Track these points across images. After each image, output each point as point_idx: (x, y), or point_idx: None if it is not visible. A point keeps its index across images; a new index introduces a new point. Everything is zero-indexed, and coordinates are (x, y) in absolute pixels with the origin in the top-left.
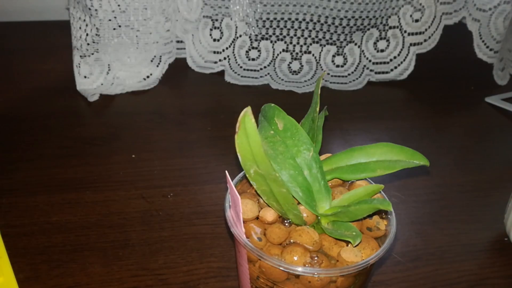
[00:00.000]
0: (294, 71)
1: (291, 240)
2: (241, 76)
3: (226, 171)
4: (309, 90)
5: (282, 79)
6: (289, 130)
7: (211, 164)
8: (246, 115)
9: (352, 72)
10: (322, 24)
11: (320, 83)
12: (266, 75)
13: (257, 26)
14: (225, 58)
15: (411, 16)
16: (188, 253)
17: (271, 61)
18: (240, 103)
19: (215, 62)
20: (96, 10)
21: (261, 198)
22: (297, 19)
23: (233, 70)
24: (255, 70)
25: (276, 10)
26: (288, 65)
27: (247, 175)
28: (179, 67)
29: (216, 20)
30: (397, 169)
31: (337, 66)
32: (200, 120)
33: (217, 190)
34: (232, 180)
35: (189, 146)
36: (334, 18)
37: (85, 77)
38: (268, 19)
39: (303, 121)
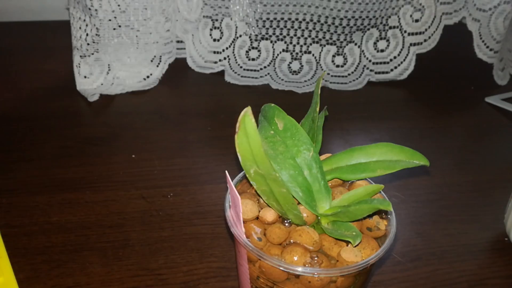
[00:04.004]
0: (294, 71)
1: (291, 240)
2: (241, 76)
3: (226, 171)
4: (309, 90)
5: (282, 79)
6: (289, 130)
7: (211, 164)
8: (246, 115)
9: (352, 72)
10: (322, 24)
11: (320, 83)
12: (266, 75)
13: (257, 26)
14: (225, 58)
15: (411, 16)
16: (188, 253)
17: (271, 61)
18: (240, 103)
19: (215, 62)
20: (96, 10)
21: (261, 198)
22: (297, 19)
23: (233, 70)
24: (255, 70)
25: (276, 10)
26: (288, 65)
27: (247, 175)
28: (179, 67)
29: (216, 20)
30: (397, 169)
31: (337, 66)
32: (200, 120)
33: (217, 190)
34: (232, 180)
35: (189, 146)
36: (334, 18)
37: (85, 77)
38: (268, 19)
39: (303, 121)
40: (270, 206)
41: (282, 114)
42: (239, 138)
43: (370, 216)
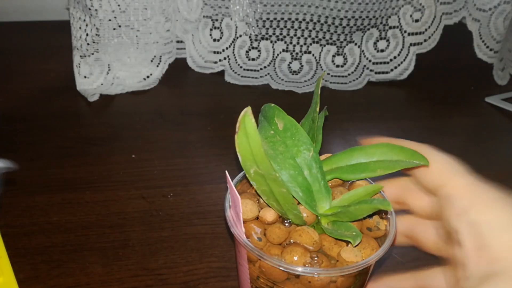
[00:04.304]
0: (294, 71)
1: (291, 240)
2: (241, 76)
3: (226, 171)
4: (309, 90)
5: (282, 79)
6: (289, 130)
7: (211, 164)
8: (246, 115)
9: (352, 72)
10: (322, 24)
11: (320, 83)
12: (266, 75)
13: (257, 26)
14: (225, 58)
15: (411, 16)
16: (188, 253)
17: (271, 61)
18: (240, 103)
19: (215, 62)
20: (96, 10)
21: (261, 198)
22: (297, 19)
23: (233, 70)
24: (255, 70)
25: (276, 10)
26: (288, 65)
27: (247, 175)
28: (179, 67)
29: (216, 20)
30: (397, 169)
31: (337, 66)
32: (200, 120)
33: (217, 190)
34: (232, 180)
35: (189, 146)
36: (334, 18)
37: (85, 77)
38: (268, 19)
39: (303, 121)
40: (270, 206)
41: (282, 114)
42: (239, 138)
43: (370, 216)
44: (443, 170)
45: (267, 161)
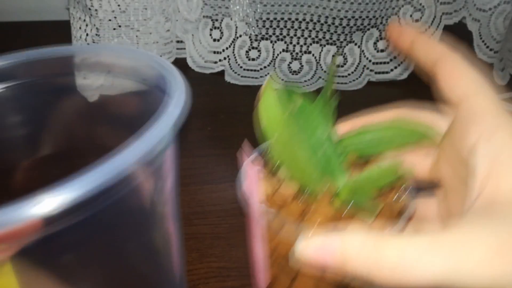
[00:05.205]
0: (294, 71)
1: (309, 213)
2: (241, 76)
3: (245, 141)
4: (309, 90)
5: (282, 79)
6: (306, 110)
7: (211, 164)
8: (269, 82)
9: (352, 72)
10: (322, 24)
11: (333, 69)
12: (266, 75)
13: (257, 26)
14: (225, 58)
15: (411, 16)
16: (188, 253)
17: (271, 61)
18: (240, 103)
19: (215, 62)
20: (96, 10)
21: (278, 172)
22: (297, 19)
23: (233, 70)
24: (255, 70)
25: (276, 10)
26: (288, 65)
27: (268, 144)
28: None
29: (216, 20)
30: (407, 145)
31: (337, 66)
32: (200, 120)
33: (217, 190)
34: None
35: (189, 146)
36: (334, 18)
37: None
38: (268, 19)
39: (316, 102)
40: (289, 176)
41: (297, 95)
42: (263, 103)
43: (388, 191)
44: (475, 81)
45: (290, 124)
